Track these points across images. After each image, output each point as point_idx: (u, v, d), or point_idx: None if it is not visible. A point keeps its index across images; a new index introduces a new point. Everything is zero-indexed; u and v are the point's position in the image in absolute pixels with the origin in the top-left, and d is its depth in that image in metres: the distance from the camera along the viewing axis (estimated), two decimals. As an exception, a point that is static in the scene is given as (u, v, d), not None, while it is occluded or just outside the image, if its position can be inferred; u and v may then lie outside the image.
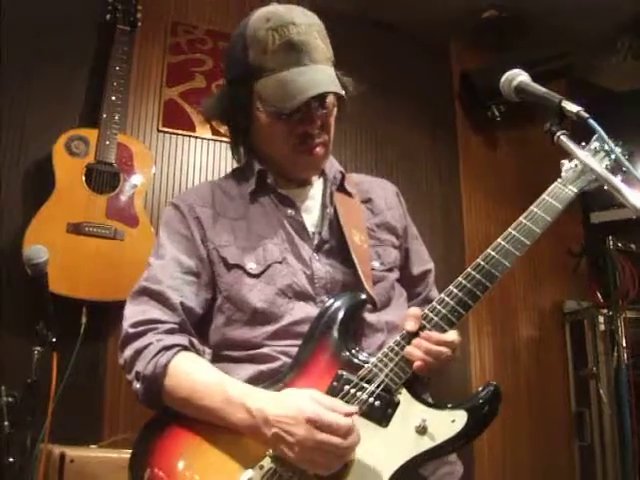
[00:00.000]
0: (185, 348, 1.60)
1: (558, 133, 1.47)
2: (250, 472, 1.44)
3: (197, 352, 1.64)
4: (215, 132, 4.00)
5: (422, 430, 1.44)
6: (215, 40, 4.17)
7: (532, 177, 4.76)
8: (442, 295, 1.54)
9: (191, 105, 3.99)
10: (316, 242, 1.72)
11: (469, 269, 1.55)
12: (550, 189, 1.61)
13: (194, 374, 1.55)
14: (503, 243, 1.55)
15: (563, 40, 4.51)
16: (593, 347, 4.44)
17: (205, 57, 4.11)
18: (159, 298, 1.65)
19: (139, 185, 3.53)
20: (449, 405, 1.49)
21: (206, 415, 1.51)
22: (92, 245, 3.29)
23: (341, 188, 1.84)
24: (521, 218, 1.58)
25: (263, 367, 1.61)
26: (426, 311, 1.54)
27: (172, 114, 3.95)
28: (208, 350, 1.72)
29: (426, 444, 1.44)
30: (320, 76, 1.65)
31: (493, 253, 1.55)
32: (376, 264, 1.74)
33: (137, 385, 1.58)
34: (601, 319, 4.44)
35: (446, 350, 1.51)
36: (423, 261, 1.95)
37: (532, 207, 1.59)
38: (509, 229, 1.57)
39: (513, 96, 1.56)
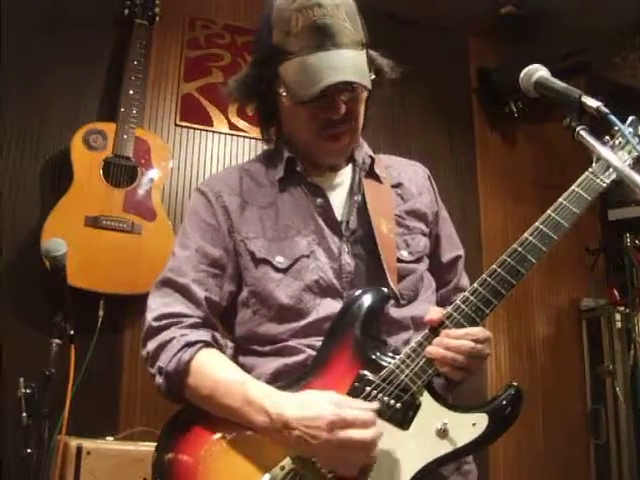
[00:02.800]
0: (208, 344, 1.57)
1: (578, 128, 1.44)
2: (269, 475, 1.44)
3: (220, 347, 1.62)
4: (232, 127, 4.02)
5: (443, 433, 1.44)
6: (233, 35, 4.17)
7: (550, 174, 4.76)
8: (466, 293, 1.50)
9: (208, 100, 4.00)
10: (345, 232, 1.68)
11: (494, 266, 1.50)
12: (580, 180, 1.55)
13: (216, 372, 1.53)
14: (530, 238, 1.50)
15: (581, 36, 4.48)
16: (609, 345, 4.42)
17: (223, 52, 4.12)
18: (183, 292, 1.63)
19: (156, 179, 3.55)
20: (470, 407, 1.48)
21: (227, 414, 1.50)
22: (109, 239, 3.32)
23: (370, 173, 1.78)
24: (549, 211, 1.52)
25: (288, 360, 1.59)
26: (449, 309, 1.51)
27: (189, 109, 3.97)
28: (230, 344, 1.70)
29: (447, 447, 1.43)
30: (342, 62, 1.57)
31: (519, 249, 1.50)
32: (404, 253, 1.69)
33: (159, 380, 1.56)
34: (618, 317, 4.42)
35: (468, 343, 1.47)
36: (453, 247, 1.90)
37: (560, 199, 1.53)
38: (536, 223, 1.52)
39: (532, 91, 1.54)
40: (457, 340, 1.47)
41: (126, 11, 3.73)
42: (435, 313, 1.52)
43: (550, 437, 4.37)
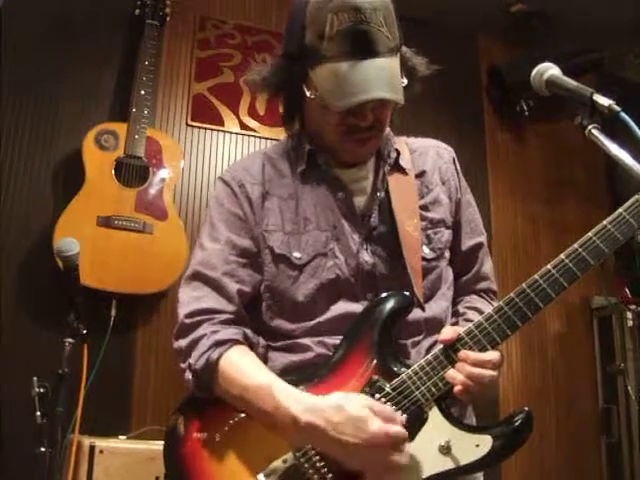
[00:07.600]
0: (238, 342, 1.56)
1: (589, 127, 1.44)
2: (270, 467, 1.46)
3: (250, 345, 1.61)
4: (243, 126, 4.03)
5: (445, 450, 1.44)
6: (243, 35, 4.18)
7: (560, 173, 4.74)
8: (491, 311, 1.49)
9: (219, 100, 4.01)
10: (365, 229, 1.65)
11: (524, 285, 1.48)
12: (628, 204, 1.50)
13: (244, 372, 1.52)
14: (566, 261, 1.47)
15: (592, 34, 4.47)
16: (621, 343, 4.40)
17: (233, 52, 4.13)
18: (214, 285, 1.61)
19: (168, 179, 3.56)
20: (477, 428, 1.49)
21: (254, 414, 1.50)
22: (121, 238, 3.33)
23: (395, 166, 1.74)
24: (590, 234, 1.48)
25: (295, 358, 1.60)
26: (471, 326, 1.49)
27: (201, 108, 3.98)
28: (262, 342, 1.67)
29: (447, 464, 1.43)
30: (377, 74, 1.51)
31: (553, 271, 1.47)
32: (426, 250, 1.66)
33: (189, 376, 1.57)
34: (629, 315, 4.40)
35: (488, 373, 1.46)
36: (474, 233, 1.84)
37: (605, 222, 1.49)
38: (575, 245, 1.48)
39: (544, 90, 1.53)
40: (479, 369, 1.46)
41: (137, 11, 3.75)
42: (449, 333, 1.50)
43: (562, 435, 4.36)
